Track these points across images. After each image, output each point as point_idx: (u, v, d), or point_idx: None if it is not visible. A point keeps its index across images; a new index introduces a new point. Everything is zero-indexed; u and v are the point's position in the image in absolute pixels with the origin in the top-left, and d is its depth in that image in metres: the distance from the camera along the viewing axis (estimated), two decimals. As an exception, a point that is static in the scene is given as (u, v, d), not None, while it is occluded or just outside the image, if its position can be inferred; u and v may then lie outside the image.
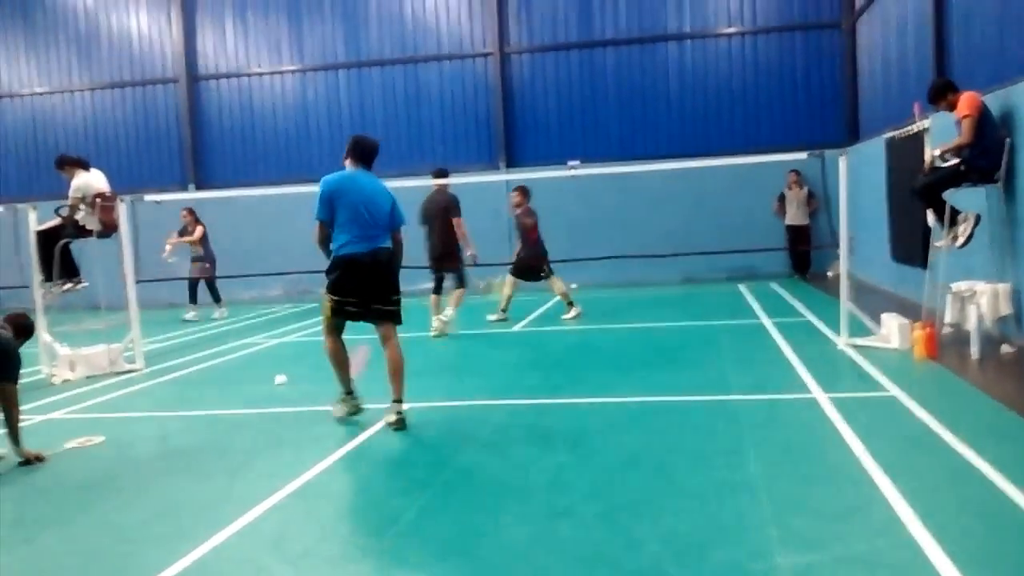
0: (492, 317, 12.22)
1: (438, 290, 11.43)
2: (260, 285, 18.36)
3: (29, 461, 5.89)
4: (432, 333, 11.03)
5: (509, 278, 12.35)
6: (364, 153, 6.58)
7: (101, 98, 19.92)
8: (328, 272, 6.46)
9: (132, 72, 19.75)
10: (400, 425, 6.26)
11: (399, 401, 6.40)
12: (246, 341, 11.94)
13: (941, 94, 8.26)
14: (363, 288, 6.37)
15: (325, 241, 6.44)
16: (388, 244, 6.45)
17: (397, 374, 6.45)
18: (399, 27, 18.63)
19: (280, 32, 19.12)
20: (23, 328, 6.32)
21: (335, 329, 6.59)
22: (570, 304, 12.22)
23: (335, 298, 6.41)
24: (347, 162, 6.59)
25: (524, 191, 12.39)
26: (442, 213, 11.29)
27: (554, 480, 4.95)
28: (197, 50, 19.44)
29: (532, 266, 12.28)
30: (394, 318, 6.54)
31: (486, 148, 18.20)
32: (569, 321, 11.93)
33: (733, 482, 4.68)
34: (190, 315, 15.23)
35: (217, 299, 15.69)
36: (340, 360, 6.65)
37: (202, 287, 15.70)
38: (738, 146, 16.57)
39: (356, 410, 6.72)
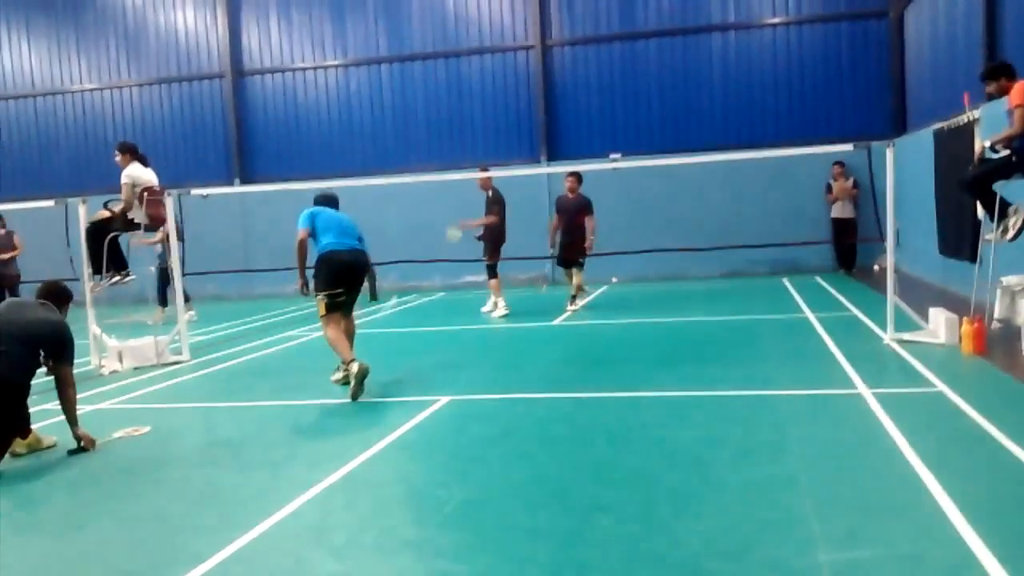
0: (570, 307, 12.66)
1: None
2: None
3: (82, 446, 6.01)
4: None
5: (564, 271, 13.22)
6: (326, 202, 8.26)
7: (149, 94, 20.25)
8: (316, 274, 7.74)
9: (179, 68, 20.05)
10: (345, 381, 7.44)
11: (352, 360, 7.39)
12: (290, 334, 12.07)
13: (995, 75, 8.05)
14: (348, 279, 7.78)
15: (302, 245, 7.76)
16: (362, 246, 8.02)
17: (350, 338, 7.84)
18: (441, 21, 18.68)
19: (323, 27, 19.27)
20: (63, 295, 6.41)
21: (334, 317, 7.69)
22: (573, 298, 12.74)
23: (329, 294, 7.64)
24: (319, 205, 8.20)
25: (579, 177, 12.75)
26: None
27: (594, 474, 4.95)
28: (242, 45, 19.67)
29: (575, 251, 12.64)
30: (355, 301, 8.11)
31: (527, 141, 18.19)
32: (573, 312, 12.53)
33: (776, 477, 4.64)
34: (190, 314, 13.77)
35: (165, 302, 14.33)
36: (342, 340, 7.61)
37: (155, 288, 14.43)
38: (782, 138, 16.39)
39: (347, 378, 7.48)
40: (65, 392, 5.99)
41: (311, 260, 7.87)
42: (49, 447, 6.15)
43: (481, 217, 12.36)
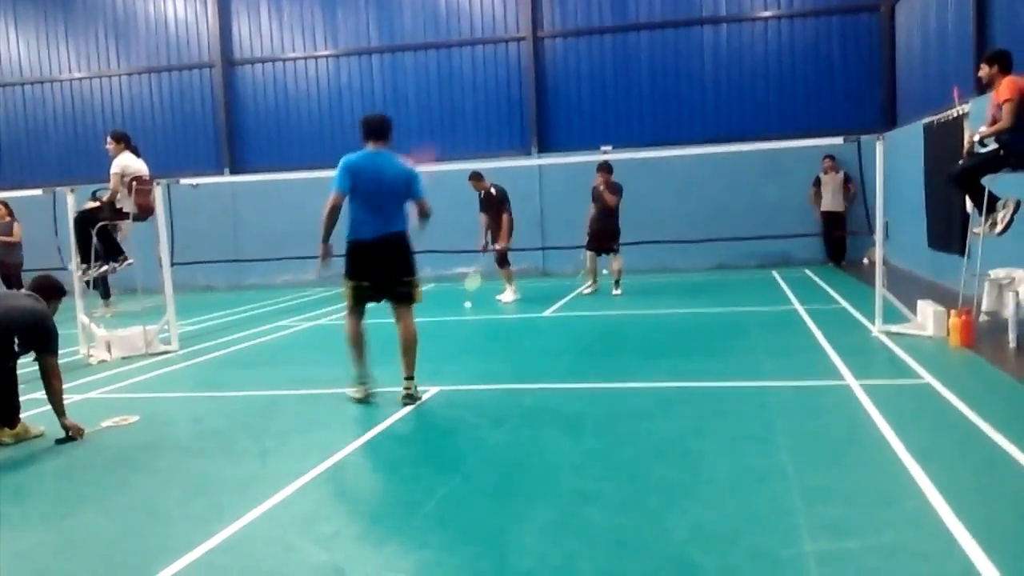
0: (586, 290, 13.54)
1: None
2: (293, 269, 18.49)
3: (70, 435, 5.98)
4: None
5: (589, 254, 13.61)
6: (371, 129, 6.70)
7: (138, 83, 20.15)
8: (345, 256, 6.71)
9: (168, 57, 19.95)
10: (409, 400, 6.50)
11: (410, 378, 6.61)
12: (279, 324, 12.06)
13: (995, 60, 7.99)
14: (376, 271, 6.60)
15: (333, 212, 6.52)
16: (400, 226, 6.61)
17: (409, 351, 6.65)
18: (432, 11, 18.63)
19: (314, 17, 19.20)
20: (53, 290, 6.31)
21: (356, 312, 6.77)
22: (617, 283, 13.40)
23: (351, 283, 6.67)
24: (366, 144, 6.72)
25: (608, 169, 13.32)
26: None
27: (582, 465, 4.96)
28: (232, 35, 19.58)
29: (608, 237, 13.28)
30: (407, 299, 6.72)
31: (518, 133, 18.16)
32: (617, 296, 13.14)
33: (763, 469, 4.66)
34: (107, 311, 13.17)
35: (108, 294, 14.04)
36: (358, 343, 6.78)
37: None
38: (773, 131, 16.41)
39: (367, 396, 6.78)
40: (51, 383, 5.94)
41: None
42: (36, 436, 6.13)
43: (480, 217, 13.10)
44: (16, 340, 5.80)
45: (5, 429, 5.95)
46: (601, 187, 13.32)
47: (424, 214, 6.72)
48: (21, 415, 6.09)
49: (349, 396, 6.81)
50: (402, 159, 6.70)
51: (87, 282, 10.30)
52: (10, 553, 4.05)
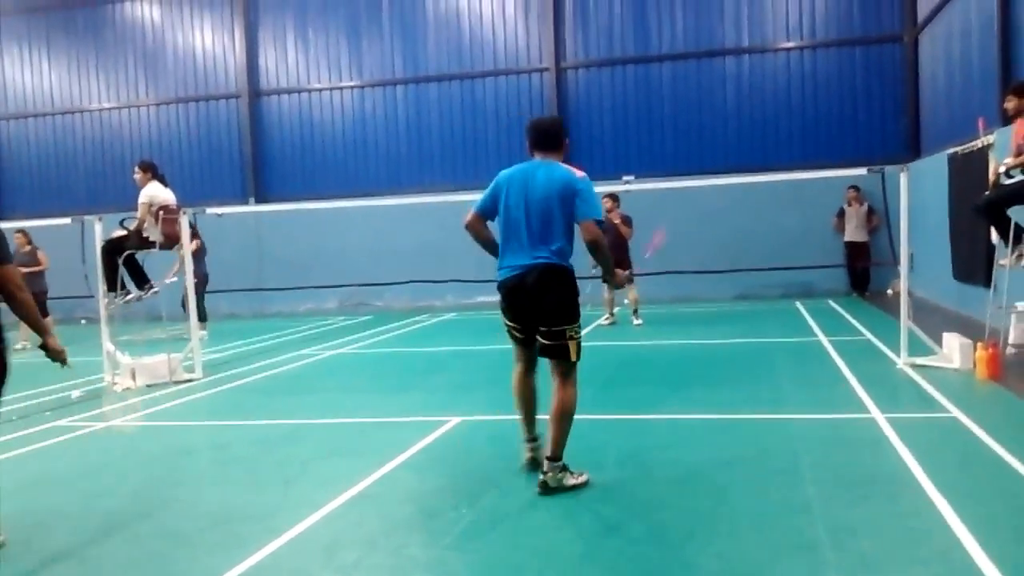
0: (605, 321, 13.49)
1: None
2: (316, 297, 18.64)
3: (55, 357, 4.90)
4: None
5: (605, 285, 13.36)
6: (537, 137, 5.28)
7: (166, 113, 20.45)
8: None
9: (196, 87, 20.25)
10: (544, 488, 4.98)
11: (552, 459, 5.05)
12: (302, 352, 12.10)
13: (1018, 93, 7.97)
14: (521, 314, 5.22)
15: (470, 231, 5.34)
16: (549, 258, 5.03)
17: (553, 422, 5.13)
18: (456, 43, 18.82)
19: (340, 48, 19.44)
20: None
21: (518, 358, 5.49)
22: (635, 312, 13.49)
23: (504, 321, 5.38)
24: (533, 156, 5.31)
25: (615, 197, 13.31)
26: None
27: (605, 497, 4.92)
28: (259, 66, 19.85)
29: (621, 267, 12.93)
30: (557, 353, 5.17)
31: (541, 163, 18.18)
32: (639, 326, 13.24)
33: (789, 503, 4.61)
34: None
35: (203, 316, 13.94)
36: (517, 395, 5.51)
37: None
38: (796, 161, 16.38)
39: (533, 457, 5.41)
40: (16, 296, 4.65)
41: None
42: None
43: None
44: None
45: None
46: (611, 216, 13.17)
47: (592, 242, 5.03)
48: None
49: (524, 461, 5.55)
50: (572, 170, 5.13)
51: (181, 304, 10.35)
52: (35, 580, 4.07)
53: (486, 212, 5.29)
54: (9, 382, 4.55)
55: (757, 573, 3.70)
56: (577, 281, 5.17)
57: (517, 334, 5.33)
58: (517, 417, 5.55)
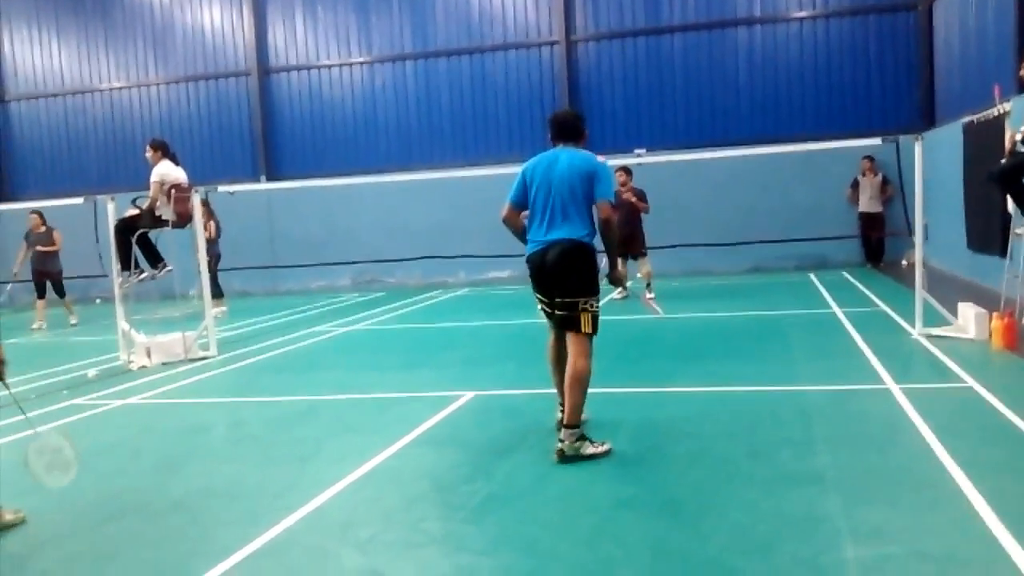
0: (618, 295, 12.91)
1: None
2: (329, 274, 18.67)
3: None
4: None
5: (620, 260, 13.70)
6: (558, 129, 5.63)
7: (176, 91, 20.42)
8: None
9: (205, 66, 20.20)
10: (561, 456, 5.12)
11: (569, 426, 5.20)
12: (315, 329, 12.14)
13: None
14: (542, 286, 5.52)
15: (510, 223, 5.66)
16: (569, 234, 5.32)
17: (568, 390, 5.32)
18: (465, 17, 18.69)
19: (349, 25, 19.34)
20: None
21: (549, 326, 5.72)
22: (648, 285, 13.23)
23: (534, 294, 5.67)
24: (556, 147, 5.64)
25: (628, 171, 13.22)
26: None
27: (618, 470, 4.93)
28: (268, 43, 19.78)
29: (635, 242, 13.19)
30: (571, 324, 5.37)
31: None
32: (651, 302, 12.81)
33: (802, 474, 4.61)
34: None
35: (220, 293, 14.51)
36: (551, 360, 5.75)
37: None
38: (809, 132, 16.21)
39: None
40: None
41: None
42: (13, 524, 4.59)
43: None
44: None
45: None
46: (623, 191, 13.07)
47: (606, 221, 5.41)
48: None
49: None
50: (592, 155, 5.52)
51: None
52: (54, 559, 4.12)
53: (519, 203, 5.61)
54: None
55: (770, 544, 3.71)
56: (596, 256, 5.41)
57: (543, 306, 5.62)
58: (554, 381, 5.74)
